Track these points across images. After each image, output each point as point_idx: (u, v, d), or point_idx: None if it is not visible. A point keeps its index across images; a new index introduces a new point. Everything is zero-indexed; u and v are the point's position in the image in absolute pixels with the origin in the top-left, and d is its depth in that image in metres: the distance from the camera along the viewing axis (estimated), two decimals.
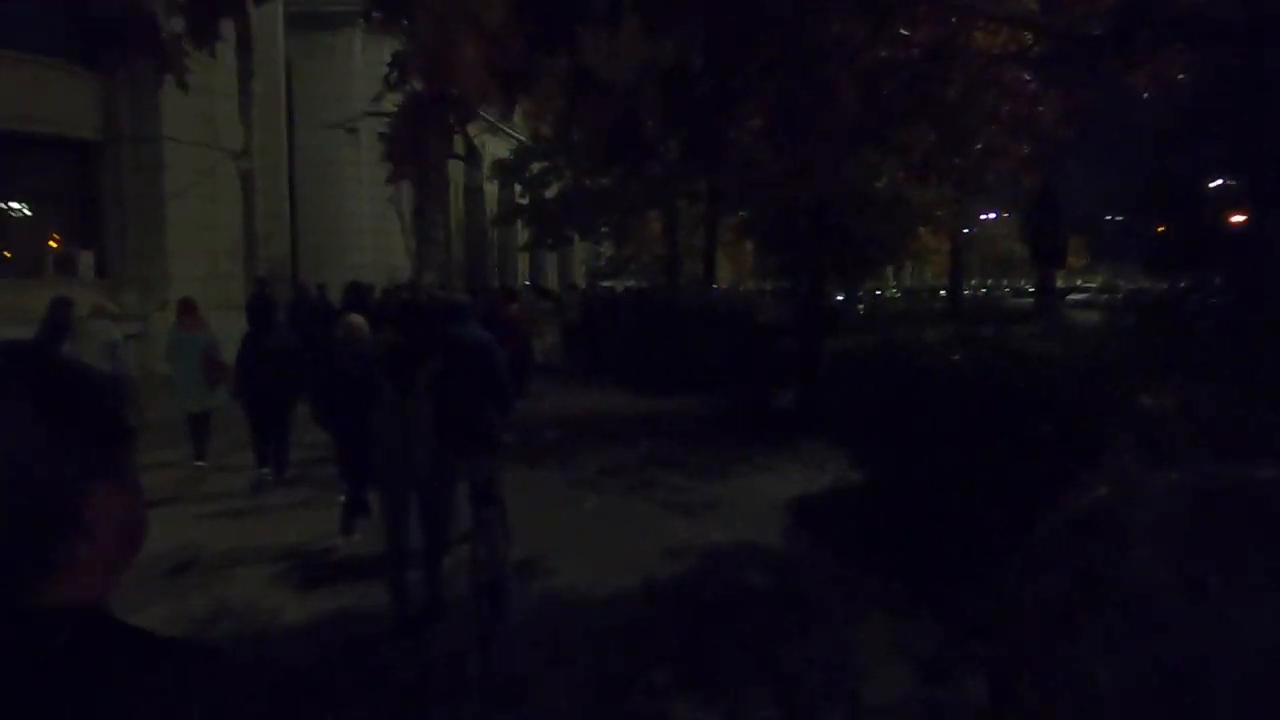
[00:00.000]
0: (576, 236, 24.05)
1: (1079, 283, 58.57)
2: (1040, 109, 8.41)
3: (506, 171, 22.04)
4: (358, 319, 7.04)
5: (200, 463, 9.48)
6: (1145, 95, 7.70)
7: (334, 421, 6.49)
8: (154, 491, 8.66)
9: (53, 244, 17.12)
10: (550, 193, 21.93)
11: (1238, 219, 12.36)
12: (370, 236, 26.10)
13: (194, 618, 5.51)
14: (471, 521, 5.46)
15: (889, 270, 46.66)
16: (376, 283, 18.99)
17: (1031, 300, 30.57)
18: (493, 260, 38.16)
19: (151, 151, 16.99)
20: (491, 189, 34.15)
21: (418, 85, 6.41)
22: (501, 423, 5.78)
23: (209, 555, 6.79)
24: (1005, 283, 72.42)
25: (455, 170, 33.29)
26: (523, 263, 41.55)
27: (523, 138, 25.21)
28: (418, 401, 4.99)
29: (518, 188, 23.62)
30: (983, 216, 52.46)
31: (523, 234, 27.10)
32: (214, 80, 18.02)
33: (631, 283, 34.04)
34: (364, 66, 25.94)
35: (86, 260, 16.81)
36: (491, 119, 35.23)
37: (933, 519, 6.48)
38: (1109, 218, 59.62)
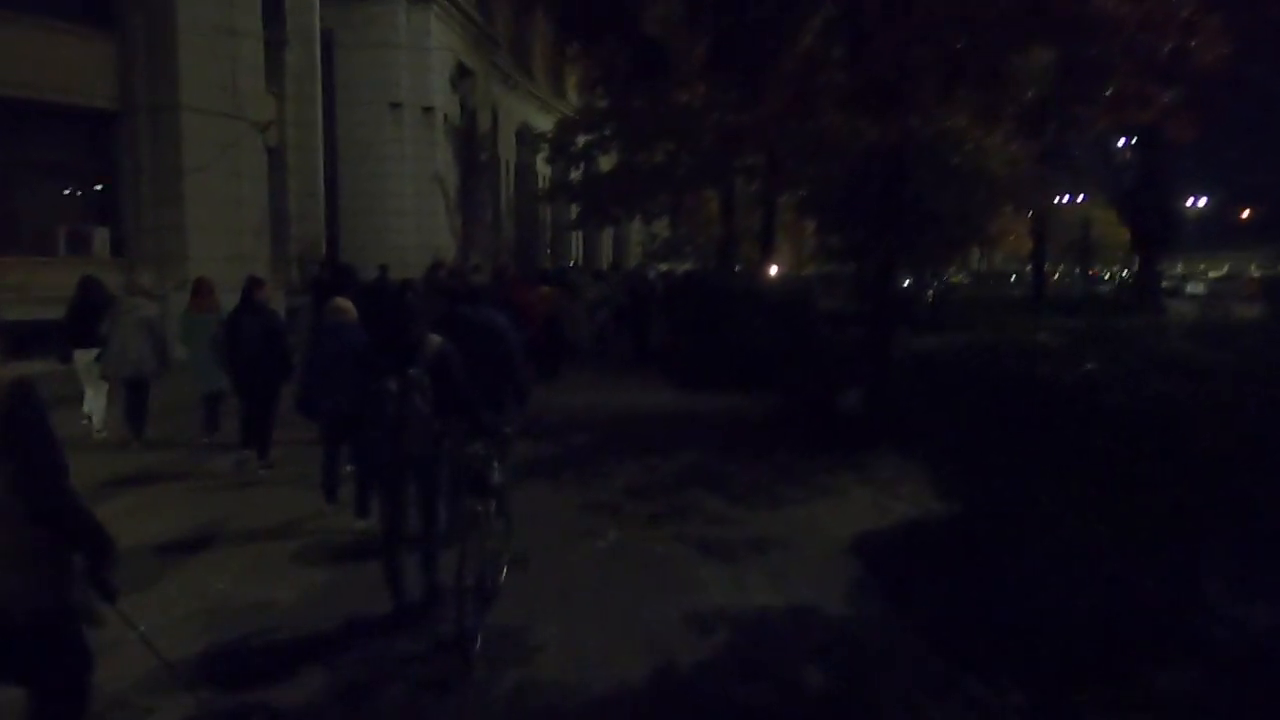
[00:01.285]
0: (625, 216, 22.24)
1: (1201, 269, 54.11)
2: (1194, 43, 6.40)
3: (554, 147, 20.34)
4: (344, 302, 7.15)
5: (206, 440, 9.31)
6: None
7: (327, 405, 6.44)
8: (154, 469, 8.58)
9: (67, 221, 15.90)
10: (597, 169, 20.19)
11: None
12: (413, 217, 24.68)
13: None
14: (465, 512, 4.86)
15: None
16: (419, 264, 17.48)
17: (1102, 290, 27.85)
18: (545, 241, 36.64)
19: (169, 121, 15.66)
20: (545, 168, 32.58)
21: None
22: (517, 411, 5.75)
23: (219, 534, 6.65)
24: (1077, 270, 68.67)
25: (506, 148, 31.77)
26: (576, 243, 39.99)
27: (571, 114, 23.55)
28: (415, 382, 4.62)
29: (562, 165, 21.94)
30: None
31: (572, 213, 25.51)
32: (238, 47, 16.63)
33: (688, 266, 32.21)
34: (407, 38, 24.51)
35: (101, 237, 15.58)
36: (540, 95, 33.71)
37: (1064, 588, 4.65)
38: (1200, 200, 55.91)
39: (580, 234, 38.49)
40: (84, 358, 9.59)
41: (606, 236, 42.36)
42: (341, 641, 4.71)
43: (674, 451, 9.43)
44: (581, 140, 19.22)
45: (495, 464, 5.08)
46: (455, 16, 26.65)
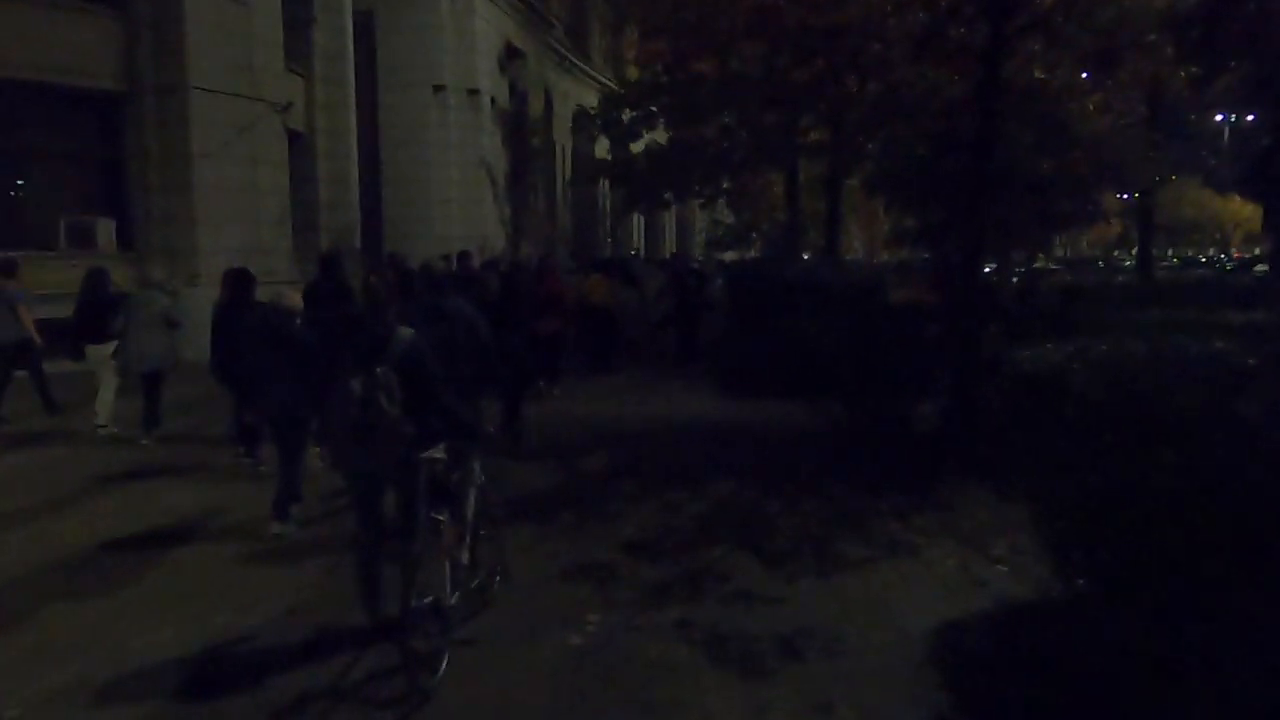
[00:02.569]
0: (677, 199, 20.26)
1: None
2: None
3: (599, 124, 18.44)
4: (287, 293, 6.62)
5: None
6: None
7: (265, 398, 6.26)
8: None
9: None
10: (638, 147, 18.19)
11: None
12: (459, 205, 23.10)
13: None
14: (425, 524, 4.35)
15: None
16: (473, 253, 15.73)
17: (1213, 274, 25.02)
18: (605, 229, 34.85)
19: (177, 103, 14.24)
20: (606, 153, 30.73)
21: None
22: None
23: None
24: (1170, 253, 64.16)
25: (562, 132, 30.03)
26: (637, 231, 38.12)
27: (612, 84, 21.50)
28: (381, 381, 4.14)
29: (607, 144, 20.04)
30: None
31: (610, 195, 23.57)
32: (252, 22, 15.14)
33: (753, 254, 30.09)
34: (451, 18, 22.91)
35: (106, 229, 14.25)
36: (598, 77, 31.82)
37: None
38: None
39: (641, 221, 36.61)
40: (96, 353, 9.19)
41: (669, 224, 40.43)
42: (305, 656, 4.33)
43: (705, 482, 7.50)
44: (627, 115, 17.32)
45: (474, 466, 4.75)
46: None
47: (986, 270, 20.44)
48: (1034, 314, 8.31)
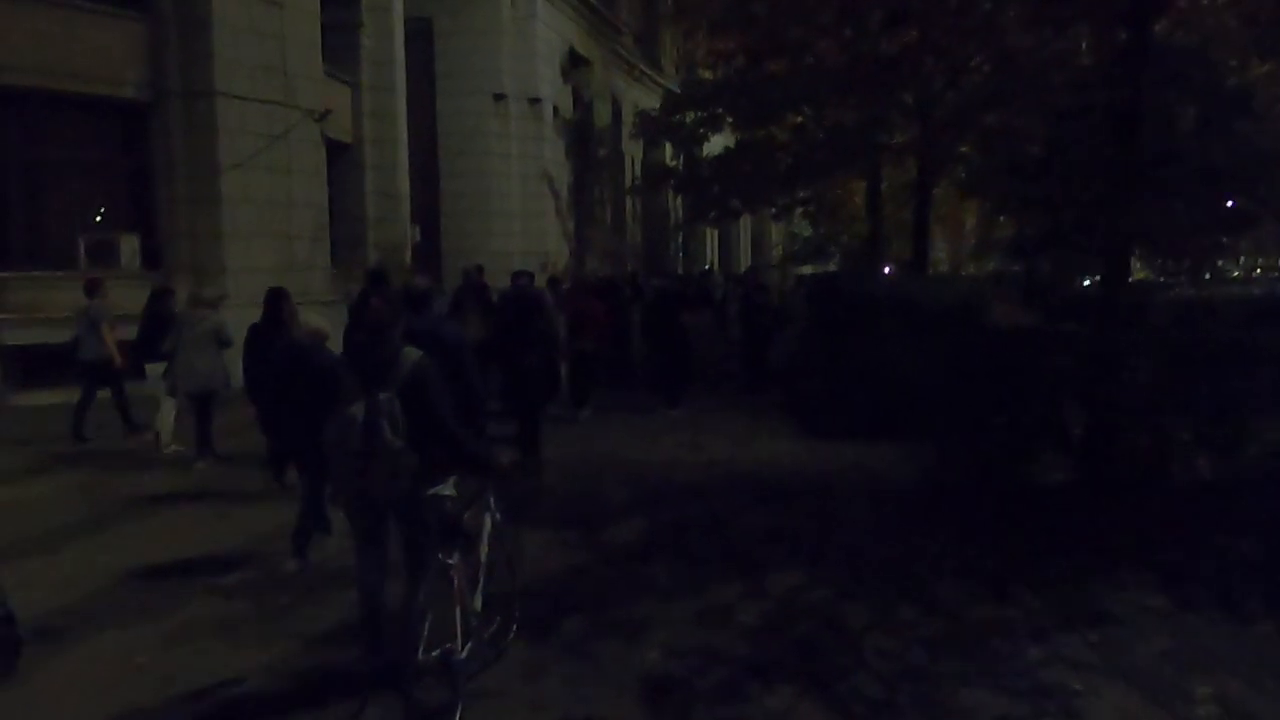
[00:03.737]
0: (746, 209, 18.32)
1: None
2: None
3: (660, 128, 16.63)
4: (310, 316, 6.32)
5: None
6: None
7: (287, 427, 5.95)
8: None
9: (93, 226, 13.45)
10: (710, 151, 16.28)
11: None
12: (519, 219, 21.58)
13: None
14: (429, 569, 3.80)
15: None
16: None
17: None
18: (677, 243, 33.04)
19: (203, 110, 12.97)
20: (676, 162, 28.91)
21: None
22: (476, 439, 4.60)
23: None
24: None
25: (629, 142, 28.33)
26: (711, 245, 36.19)
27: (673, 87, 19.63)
28: (384, 408, 3.82)
29: (671, 150, 18.21)
30: None
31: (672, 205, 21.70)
32: (285, 23, 13.85)
33: (832, 268, 27.94)
34: (512, 24, 21.49)
35: (130, 246, 13.05)
36: (669, 86, 30.08)
37: None
38: None
39: (714, 235, 34.71)
40: (154, 371, 9.23)
41: (744, 237, 38.45)
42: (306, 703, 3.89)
43: (766, 569, 5.60)
44: (690, 117, 15.47)
45: (489, 504, 4.30)
46: (568, 0, 23.47)
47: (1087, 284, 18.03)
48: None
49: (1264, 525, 5.89)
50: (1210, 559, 5.55)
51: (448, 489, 4.17)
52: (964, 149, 11.79)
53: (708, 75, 16.48)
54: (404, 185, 17.84)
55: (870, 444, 8.98)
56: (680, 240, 33.18)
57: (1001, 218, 13.34)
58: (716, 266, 34.71)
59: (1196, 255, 7.49)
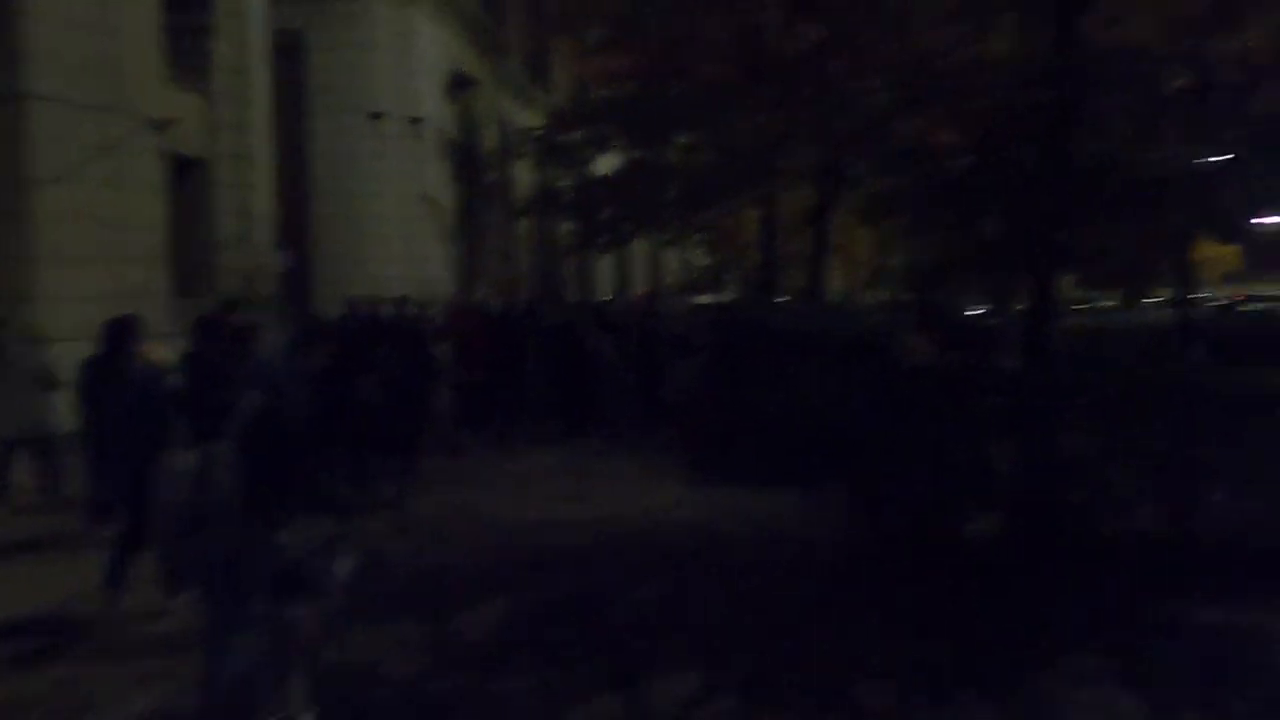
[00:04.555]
0: (637, 234, 17.33)
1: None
2: None
3: (544, 147, 15.50)
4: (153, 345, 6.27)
5: None
6: None
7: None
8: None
9: None
10: (599, 171, 15.17)
11: None
12: (399, 244, 20.06)
13: None
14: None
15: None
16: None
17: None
18: (572, 270, 31.86)
19: (12, 116, 11.16)
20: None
21: None
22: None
23: None
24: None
25: (520, 166, 27.08)
26: (608, 272, 35.15)
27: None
28: (218, 458, 3.63)
29: (556, 172, 17.11)
30: None
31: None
32: (121, 17, 12.17)
33: (727, 298, 27.21)
34: (389, 40, 20.09)
35: None
36: (539, 92, 28.96)
37: None
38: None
39: (610, 262, 33.72)
40: None
41: (641, 265, 37.59)
42: None
43: (651, 673, 4.37)
44: (573, 137, 14.39)
45: (340, 550, 3.85)
46: (451, 18, 22.19)
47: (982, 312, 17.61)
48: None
49: (1223, 590, 5.02)
50: (1176, 639, 4.61)
51: (290, 535, 3.81)
52: (867, 172, 11.01)
53: (597, 95, 15.43)
54: (265, 205, 16.14)
55: (775, 491, 7.89)
56: (575, 267, 32.02)
57: (905, 240, 12.66)
58: (616, 294, 33.68)
59: (1135, 279, 6.73)
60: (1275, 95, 6.12)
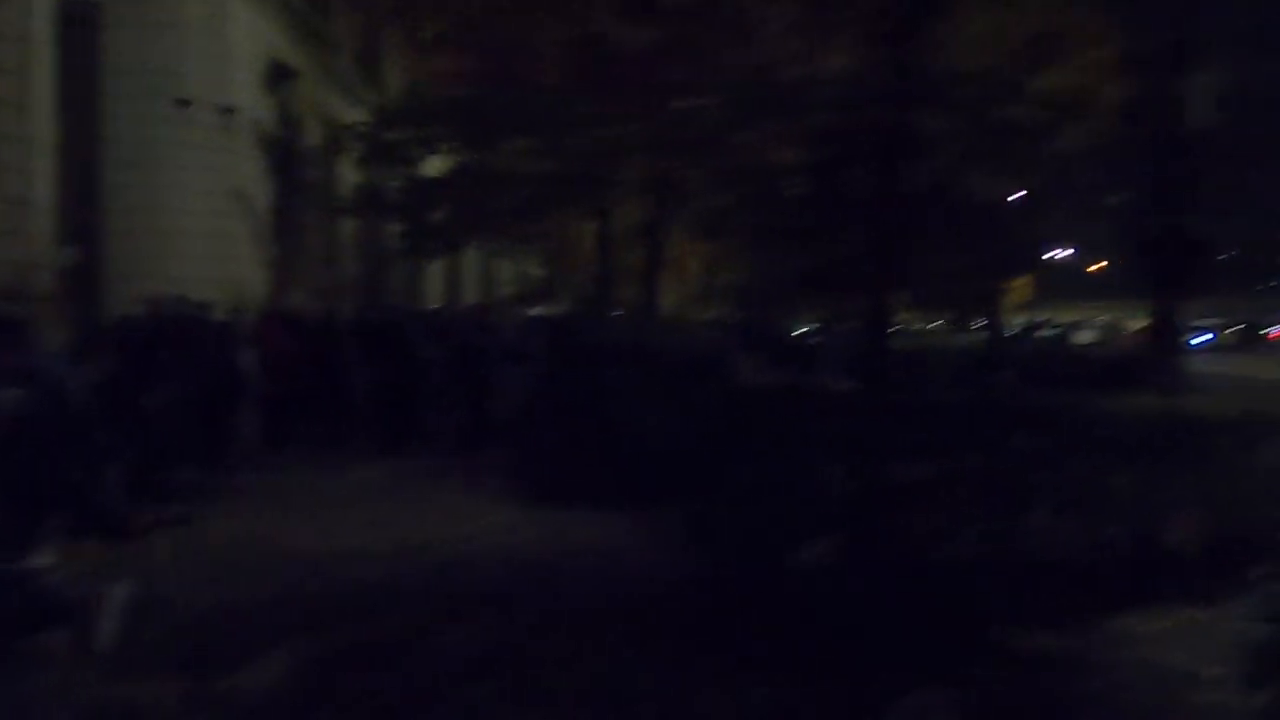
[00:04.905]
0: (469, 242, 16.69)
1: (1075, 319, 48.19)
2: None
3: (370, 146, 14.54)
4: None
5: None
6: None
7: None
8: None
9: None
10: (420, 171, 14.38)
11: None
12: (205, 241, 18.40)
13: None
14: None
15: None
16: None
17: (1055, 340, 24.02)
18: (401, 277, 30.51)
19: None
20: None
21: None
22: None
23: None
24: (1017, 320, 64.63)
25: (347, 165, 25.71)
26: (438, 281, 33.99)
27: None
28: None
29: (381, 172, 16.20)
30: None
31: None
32: None
33: (562, 310, 26.84)
34: (199, 22, 18.48)
35: None
36: (369, 88, 27.76)
37: None
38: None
39: (443, 269, 32.63)
40: None
41: (474, 275, 36.67)
42: None
43: None
44: (402, 135, 13.57)
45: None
46: (271, 4, 20.74)
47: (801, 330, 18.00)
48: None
49: (1049, 616, 5.04)
50: (1010, 670, 4.55)
51: (48, 556, 3.59)
52: (702, 186, 10.92)
53: (429, 94, 14.66)
54: (47, 194, 14.38)
55: (610, 513, 7.53)
56: (403, 273, 30.71)
57: (737, 258, 12.68)
58: (446, 303, 32.53)
59: (968, 303, 6.81)
60: (1076, 135, 6.38)
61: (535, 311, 27.88)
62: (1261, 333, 43.12)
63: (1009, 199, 5.45)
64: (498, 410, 11.39)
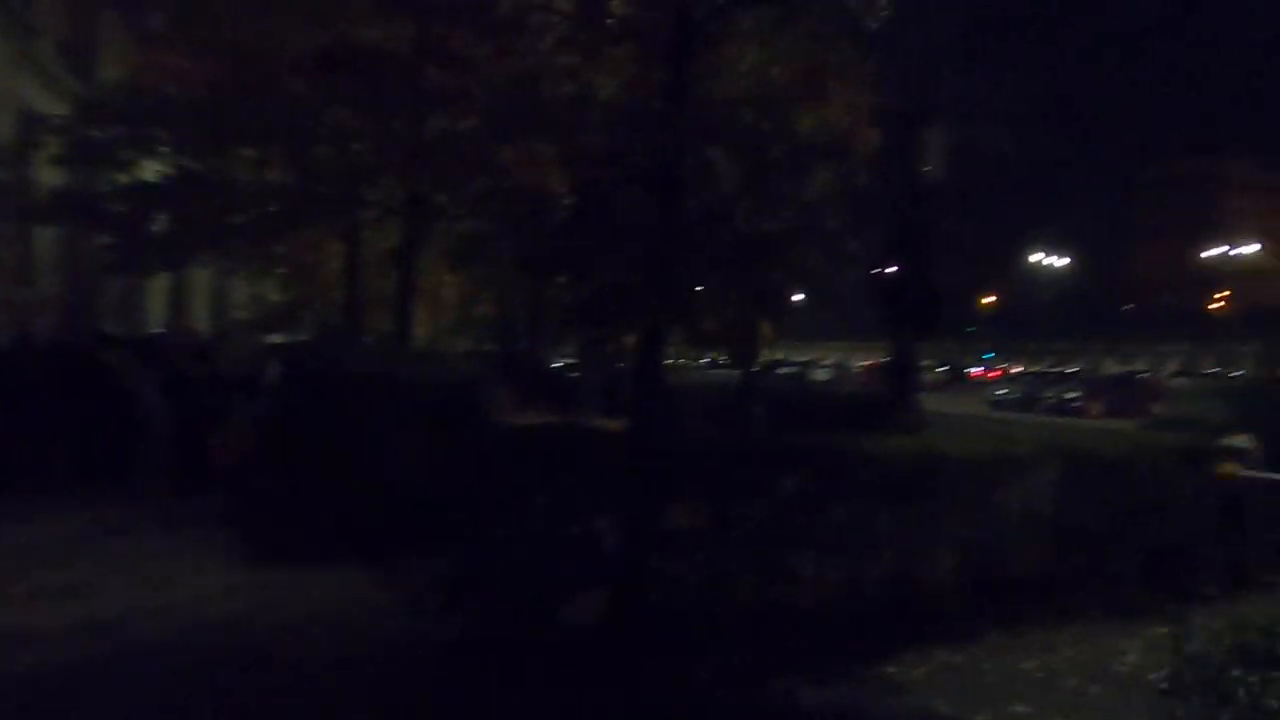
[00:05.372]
0: (194, 259, 14.96)
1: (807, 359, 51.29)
2: None
3: (73, 142, 12.55)
4: None
5: None
6: None
7: None
8: None
9: None
10: (129, 177, 12.57)
11: None
12: None
13: None
14: None
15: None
16: None
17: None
18: (117, 295, 27.08)
19: None
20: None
21: None
22: None
23: None
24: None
25: (49, 169, 22.46)
26: (159, 300, 30.57)
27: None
28: None
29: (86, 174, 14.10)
30: None
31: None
32: None
33: (305, 338, 24.90)
34: None
35: None
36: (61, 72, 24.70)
37: None
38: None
39: (163, 289, 29.37)
40: None
41: (203, 297, 33.36)
42: None
43: None
44: (114, 133, 11.81)
45: None
46: None
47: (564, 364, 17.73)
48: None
49: (822, 666, 4.87)
50: None
51: None
52: (459, 209, 10.28)
53: (150, 91, 12.90)
54: None
55: (347, 569, 6.68)
56: (119, 293, 27.27)
57: (495, 287, 12.14)
58: (167, 327, 29.24)
59: (739, 340, 6.67)
60: (827, 181, 6.51)
61: (273, 339, 25.77)
62: (965, 371, 48.42)
63: (783, 234, 5.47)
64: (220, 451, 10.01)
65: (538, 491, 5.78)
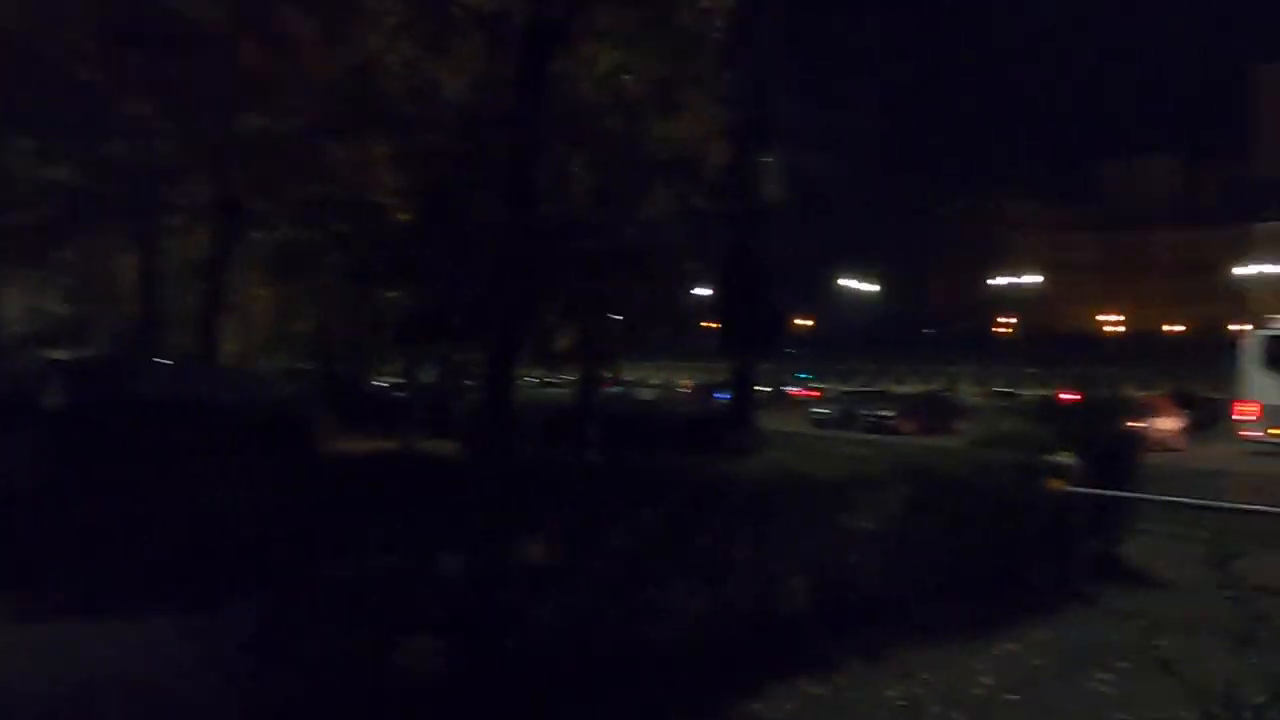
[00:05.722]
0: None
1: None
2: None
3: None
4: None
5: None
6: None
7: None
8: None
9: None
10: None
11: None
12: None
13: None
14: None
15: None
16: None
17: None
18: None
19: None
20: None
21: None
22: None
23: None
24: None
25: None
26: None
27: None
28: None
29: None
30: None
31: None
32: None
33: (94, 354, 22.57)
34: None
35: None
36: None
37: None
38: None
39: None
40: None
41: None
42: None
43: None
44: None
45: None
46: None
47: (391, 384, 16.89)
48: None
49: (693, 709, 4.56)
50: None
51: None
52: (283, 214, 9.39)
53: None
54: None
55: (149, 621, 5.76)
56: None
57: (316, 302, 11.25)
58: None
59: (594, 356, 6.28)
60: (673, 193, 6.33)
61: (55, 356, 23.22)
62: (785, 390, 50.19)
63: (637, 246, 5.18)
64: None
65: (371, 525, 5.18)
